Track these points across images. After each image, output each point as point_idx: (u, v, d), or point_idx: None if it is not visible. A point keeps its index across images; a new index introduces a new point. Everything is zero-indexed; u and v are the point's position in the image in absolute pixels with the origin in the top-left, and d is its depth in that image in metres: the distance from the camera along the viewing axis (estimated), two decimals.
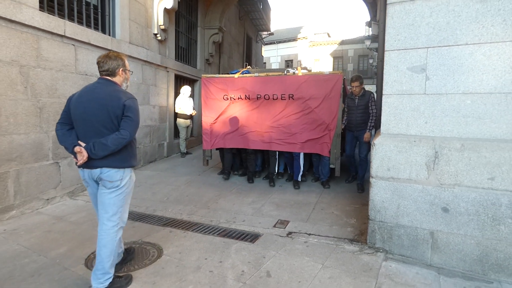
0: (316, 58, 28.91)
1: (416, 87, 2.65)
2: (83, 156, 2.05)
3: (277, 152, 4.98)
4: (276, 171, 5.15)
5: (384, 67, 2.77)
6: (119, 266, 2.43)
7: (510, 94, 2.34)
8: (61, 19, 4.13)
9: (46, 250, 2.78)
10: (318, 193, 4.46)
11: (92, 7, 4.86)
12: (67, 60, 4.25)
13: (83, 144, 2.09)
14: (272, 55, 29.79)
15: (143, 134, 6.05)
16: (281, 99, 4.66)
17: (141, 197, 4.42)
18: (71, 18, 4.39)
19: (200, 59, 8.77)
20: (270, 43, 27.76)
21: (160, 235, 3.16)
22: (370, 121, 4.38)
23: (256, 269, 2.50)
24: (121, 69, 2.28)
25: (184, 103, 6.72)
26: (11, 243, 2.92)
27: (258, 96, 4.80)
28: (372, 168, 2.80)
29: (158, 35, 6.32)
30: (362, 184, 4.51)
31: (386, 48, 2.75)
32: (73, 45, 4.32)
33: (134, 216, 3.66)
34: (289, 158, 4.95)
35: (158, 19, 6.22)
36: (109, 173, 2.13)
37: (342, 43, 26.80)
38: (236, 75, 5.04)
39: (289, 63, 29.24)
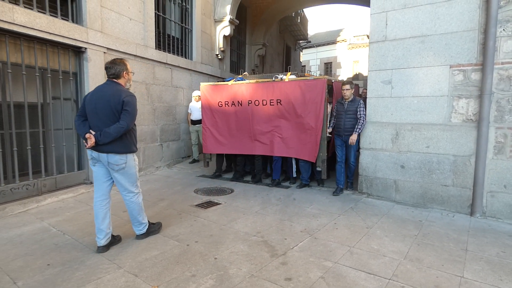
0: (355, 60, 29.55)
1: (386, 93, 4.35)
2: (91, 141, 2.53)
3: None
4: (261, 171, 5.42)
5: (368, 81, 4.51)
6: (107, 246, 2.74)
7: (438, 97, 3.96)
8: (164, 52, 6.43)
9: (170, 187, 4.98)
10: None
11: (179, 41, 7.16)
12: (167, 78, 6.54)
13: (93, 133, 2.57)
14: (312, 58, 31.00)
15: None
16: (270, 105, 4.83)
17: (213, 168, 6.55)
18: (168, 50, 6.69)
19: (247, 70, 10.88)
20: (310, 47, 28.99)
21: (230, 184, 5.21)
22: (358, 124, 4.41)
23: (287, 197, 4.41)
24: (125, 72, 2.72)
25: (192, 108, 6.82)
26: (151, 185, 5.15)
27: (249, 102, 4.98)
28: (361, 143, 4.54)
29: (218, 55, 8.51)
30: (351, 182, 4.75)
31: (368, 69, 4.49)
32: (170, 68, 6.61)
33: (212, 176, 5.77)
34: (276, 160, 5.10)
35: (219, 43, 8.41)
36: (115, 159, 2.62)
37: None
38: (229, 83, 5.29)
39: (328, 65, 30.47)
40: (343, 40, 30.05)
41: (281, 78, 4.83)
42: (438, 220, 3.57)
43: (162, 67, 6.37)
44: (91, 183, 4.71)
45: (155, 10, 6.12)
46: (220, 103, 5.29)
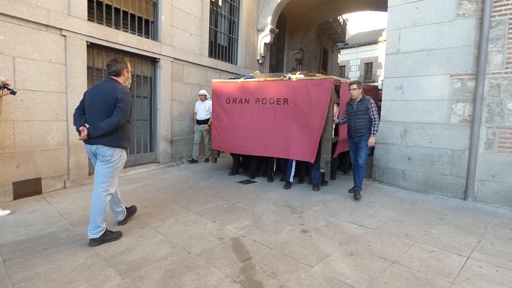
0: None
1: (397, 97, 5.18)
2: (84, 133, 2.61)
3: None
4: (274, 169, 5.48)
5: (383, 87, 5.36)
6: (125, 220, 3.22)
7: (440, 101, 4.73)
8: (215, 59, 7.76)
9: (217, 170, 6.25)
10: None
11: (227, 49, 8.47)
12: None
13: (87, 126, 2.66)
14: (352, 58, 30.88)
15: None
16: (277, 104, 4.75)
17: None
18: (218, 57, 8.02)
19: (285, 73, 11.94)
20: (350, 47, 28.96)
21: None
22: (373, 126, 4.22)
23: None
24: (125, 70, 2.80)
25: (197, 107, 6.74)
26: (201, 167, 6.48)
27: (257, 100, 4.92)
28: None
29: (259, 60, 9.69)
30: (358, 191, 4.39)
31: (384, 77, 5.34)
32: (219, 72, 7.93)
33: (229, 174, 6.97)
34: (283, 159, 5.04)
35: (260, 50, 9.59)
36: (102, 150, 2.68)
37: None
38: (239, 80, 5.30)
39: (368, 65, 30.24)
40: (384, 40, 29.33)
41: (289, 77, 4.76)
42: (432, 201, 4.39)
43: (213, 71, 7.70)
44: (159, 162, 6.16)
45: (209, 25, 7.46)
46: (228, 100, 5.32)
